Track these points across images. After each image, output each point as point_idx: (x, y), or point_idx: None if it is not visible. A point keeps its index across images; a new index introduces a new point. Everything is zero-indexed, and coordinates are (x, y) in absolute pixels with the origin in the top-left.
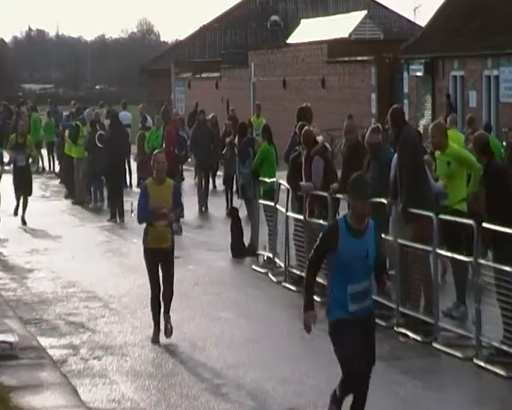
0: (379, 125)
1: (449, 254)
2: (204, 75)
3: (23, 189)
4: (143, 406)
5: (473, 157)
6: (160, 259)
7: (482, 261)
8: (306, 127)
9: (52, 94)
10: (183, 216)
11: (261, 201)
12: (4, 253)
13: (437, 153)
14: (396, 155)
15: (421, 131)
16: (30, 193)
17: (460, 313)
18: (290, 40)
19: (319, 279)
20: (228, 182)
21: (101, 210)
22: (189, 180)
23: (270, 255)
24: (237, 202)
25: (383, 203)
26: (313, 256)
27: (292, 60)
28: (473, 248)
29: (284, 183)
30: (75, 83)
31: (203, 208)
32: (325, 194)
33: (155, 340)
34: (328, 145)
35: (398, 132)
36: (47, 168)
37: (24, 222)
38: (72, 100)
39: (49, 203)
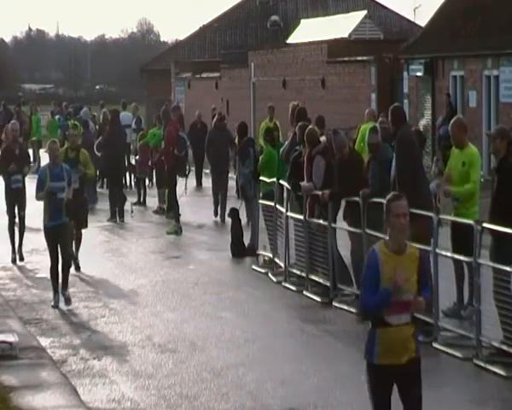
0: (377, 125)
1: (448, 254)
2: (204, 75)
3: (75, 220)
4: (143, 406)
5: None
6: (397, 380)
7: (482, 261)
8: (310, 126)
9: (52, 94)
10: (429, 308)
11: (261, 201)
12: (4, 253)
13: (456, 150)
14: (394, 155)
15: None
16: (85, 225)
17: (468, 313)
18: (290, 40)
19: (319, 279)
20: None
21: (94, 210)
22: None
23: (270, 255)
24: (237, 203)
25: (383, 203)
26: None
27: (292, 60)
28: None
29: (284, 183)
30: (75, 83)
31: (217, 217)
32: (320, 193)
33: None
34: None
35: (395, 131)
36: None
37: (78, 267)
38: (64, 102)
39: None
